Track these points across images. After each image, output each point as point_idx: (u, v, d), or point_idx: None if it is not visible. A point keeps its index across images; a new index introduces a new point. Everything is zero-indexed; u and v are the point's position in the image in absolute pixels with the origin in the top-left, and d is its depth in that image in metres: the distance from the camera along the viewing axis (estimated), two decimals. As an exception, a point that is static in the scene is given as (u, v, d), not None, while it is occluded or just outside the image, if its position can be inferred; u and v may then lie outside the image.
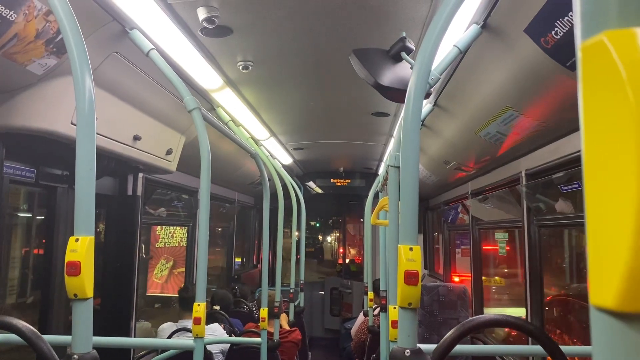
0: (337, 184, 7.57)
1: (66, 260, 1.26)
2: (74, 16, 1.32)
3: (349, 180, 7.56)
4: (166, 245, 5.18)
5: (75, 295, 1.27)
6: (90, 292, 1.29)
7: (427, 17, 2.13)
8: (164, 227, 5.09)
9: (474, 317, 1.44)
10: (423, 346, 1.33)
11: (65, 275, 1.26)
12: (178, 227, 5.25)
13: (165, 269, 5.27)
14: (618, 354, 0.34)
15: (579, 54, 0.37)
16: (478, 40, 1.94)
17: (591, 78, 0.36)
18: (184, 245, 5.23)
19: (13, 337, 1.35)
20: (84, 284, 1.26)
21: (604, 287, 0.34)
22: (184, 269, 5.20)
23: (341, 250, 9.88)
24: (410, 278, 1.20)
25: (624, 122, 0.33)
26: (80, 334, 1.28)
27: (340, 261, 9.69)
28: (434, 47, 1.34)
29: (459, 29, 2.00)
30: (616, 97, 0.34)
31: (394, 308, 1.98)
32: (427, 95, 2.14)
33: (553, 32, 1.64)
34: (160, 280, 5.24)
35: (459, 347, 1.98)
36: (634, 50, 0.34)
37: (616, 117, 0.34)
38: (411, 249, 1.22)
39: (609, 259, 0.34)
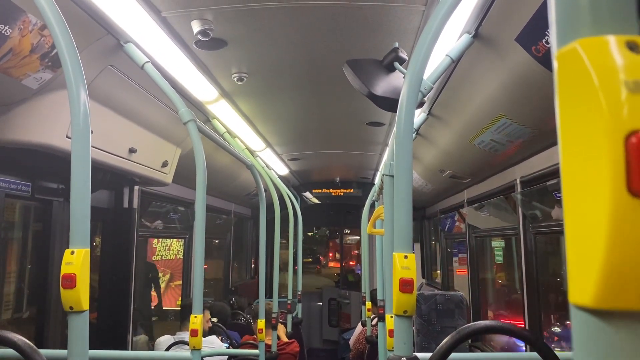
0: (333, 194, 7.57)
1: (62, 273, 1.26)
2: (69, 30, 1.34)
3: (346, 190, 7.56)
4: (163, 258, 5.16)
5: (71, 308, 1.27)
6: (86, 304, 1.29)
7: (420, 27, 2.15)
8: (160, 240, 5.08)
9: (470, 324, 1.44)
10: (420, 354, 1.33)
11: (61, 288, 1.26)
12: (175, 240, 5.24)
13: (162, 282, 5.25)
14: (597, 350, 0.35)
15: (554, 62, 0.38)
16: (470, 49, 1.96)
17: (566, 85, 0.37)
18: (181, 257, 5.22)
19: (10, 351, 1.35)
20: (79, 296, 1.26)
21: (582, 286, 0.36)
22: (180, 282, 5.18)
23: (330, 255, 9.99)
24: (405, 286, 1.20)
25: (597, 127, 0.34)
26: (76, 347, 1.28)
27: (337, 264, 9.74)
28: (425, 57, 1.35)
29: (451, 39, 2.01)
30: (589, 103, 0.35)
31: (391, 317, 1.98)
32: (421, 105, 2.16)
33: (544, 40, 1.66)
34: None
35: (456, 355, 1.98)
36: (606, 58, 0.35)
37: (590, 122, 0.35)
38: (406, 257, 1.23)
39: (586, 258, 0.35)
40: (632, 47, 0.36)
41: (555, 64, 0.38)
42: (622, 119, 0.34)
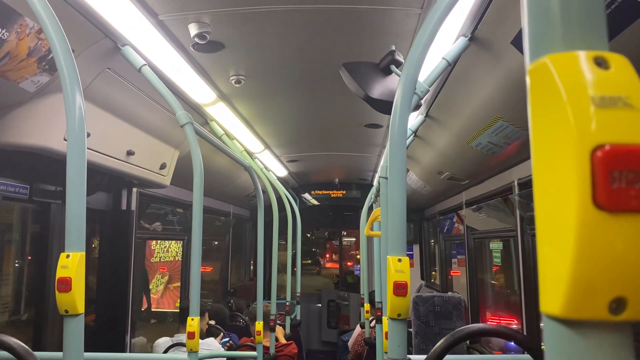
0: (332, 195, 7.57)
1: (57, 277, 1.26)
2: (64, 34, 1.34)
3: (344, 192, 7.56)
4: (161, 260, 5.16)
5: (66, 311, 1.27)
6: (81, 308, 1.29)
7: (416, 30, 2.15)
8: (159, 241, 5.08)
9: (464, 327, 1.44)
10: (414, 357, 1.33)
11: (56, 292, 1.27)
12: (173, 242, 5.25)
13: (160, 284, 5.25)
14: (566, 357, 0.36)
15: (527, 77, 0.39)
16: (467, 52, 1.96)
17: (537, 99, 0.38)
18: (179, 259, 5.22)
19: (5, 354, 1.35)
20: (75, 300, 1.26)
21: (551, 296, 0.36)
22: (179, 284, 5.18)
23: (327, 256, 10.05)
24: (399, 289, 1.20)
25: (564, 141, 0.35)
26: (71, 350, 1.28)
27: (333, 265, 9.76)
28: (420, 59, 1.35)
29: (447, 42, 2.02)
30: (558, 117, 0.35)
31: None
32: (418, 107, 2.16)
33: (539, 43, 1.66)
34: (156, 295, 5.22)
35: (453, 357, 1.99)
36: (574, 73, 0.35)
37: (558, 136, 0.36)
38: (400, 260, 1.23)
39: (555, 269, 0.36)
40: (599, 62, 0.36)
41: (527, 78, 0.39)
42: (589, 133, 0.35)
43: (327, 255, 10.54)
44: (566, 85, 0.35)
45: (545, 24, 0.38)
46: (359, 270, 7.88)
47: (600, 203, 0.35)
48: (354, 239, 9.67)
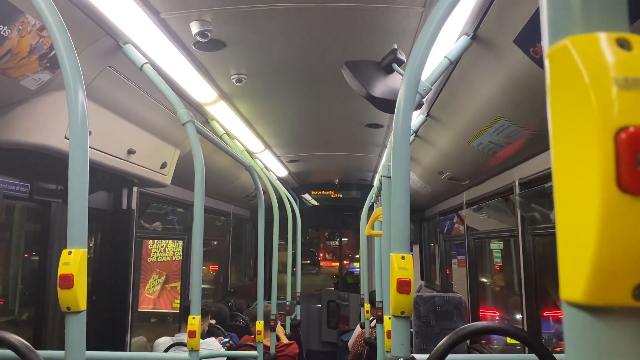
0: (332, 195, 7.58)
1: (59, 273, 1.26)
2: (67, 32, 1.34)
3: (345, 192, 7.56)
4: (158, 260, 5.14)
5: (68, 308, 1.27)
6: (83, 304, 1.29)
7: (418, 28, 2.15)
8: (155, 241, 5.06)
9: (467, 325, 1.44)
10: (417, 356, 1.33)
11: (58, 289, 1.26)
12: (170, 241, 5.23)
13: (157, 284, 5.23)
14: (587, 345, 0.36)
15: (546, 60, 0.39)
16: (469, 51, 1.96)
17: (557, 82, 0.37)
18: (177, 259, 5.20)
19: (7, 352, 1.34)
20: (77, 296, 1.26)
21: (572, 282, 0.36)
22: (176, 284, 5.16)
23: (322, 256, 10.11)
24: (403, 286, 1.20)
25: (587, 124, 0.35)
26: (73, 347, 1.28)
27: (328, 264, 9.79)
28: (423, 58, 1.35)
29: (450, 40, 2.02)
30: (580, 100, 0.35)
31: (389, 318, 1.98)
32: (419, 106, 2.16)
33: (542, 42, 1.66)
34: (153, 296, 5.20)
35: (454, 357, 1.98)
36: (596, 55, 0.35)
37: (580, 119, 0.35)
38: (403, 258, 1.23)
39: (577, 254, 0.35)
40: (622, 44, 0.36)
41: (546, 62, 0.39)
42: (612, 115, 0.34)
43: (322, 255, 10.63)
44: (588, 67, 0.35)
45: (564, 6, 0.37)
46: (355, 268, 7.87)
47: (625, 186, 0.34)
48: (347, 240, 9.76)
